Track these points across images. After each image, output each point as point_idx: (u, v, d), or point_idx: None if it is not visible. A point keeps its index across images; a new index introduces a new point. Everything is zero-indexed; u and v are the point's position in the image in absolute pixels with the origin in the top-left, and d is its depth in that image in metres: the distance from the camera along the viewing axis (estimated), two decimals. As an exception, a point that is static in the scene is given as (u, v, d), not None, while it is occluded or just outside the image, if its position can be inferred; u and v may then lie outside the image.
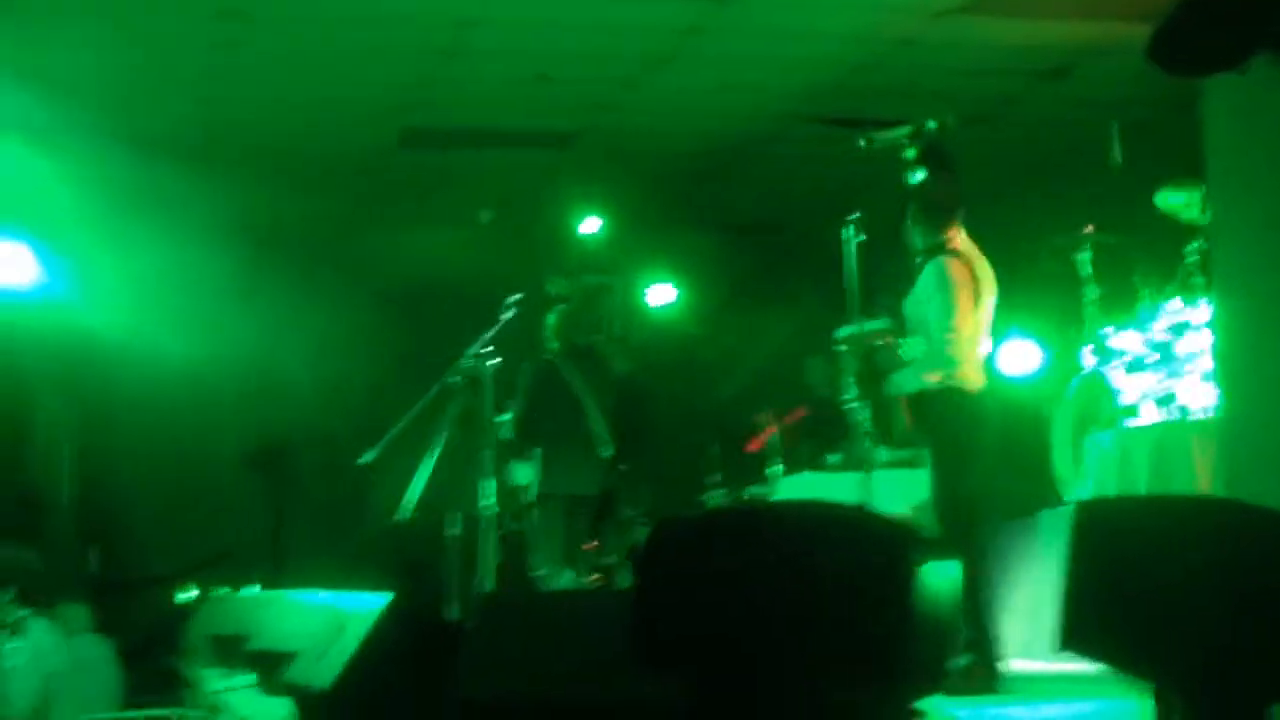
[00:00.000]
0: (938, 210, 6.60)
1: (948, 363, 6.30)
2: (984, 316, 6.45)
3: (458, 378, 7.38)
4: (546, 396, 8.50)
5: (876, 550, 2.76)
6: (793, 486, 8.76)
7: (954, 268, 6.37)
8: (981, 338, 6.45)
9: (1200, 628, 2.89)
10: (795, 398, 9.97)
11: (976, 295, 6.40)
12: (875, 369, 6.60)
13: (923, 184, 6.67)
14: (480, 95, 9.16)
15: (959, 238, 6.52)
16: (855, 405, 6.66)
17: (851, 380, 6.57)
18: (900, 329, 6.49)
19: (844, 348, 6.56)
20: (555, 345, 8.73)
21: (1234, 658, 2.88)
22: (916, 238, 6.61)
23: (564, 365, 8.59)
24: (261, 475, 10.82)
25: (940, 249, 6.48)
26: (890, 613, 2.70)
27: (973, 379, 6.37)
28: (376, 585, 5.83)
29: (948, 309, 6.30)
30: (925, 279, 6.46)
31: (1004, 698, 5.78)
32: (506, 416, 8.42)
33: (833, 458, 8.82)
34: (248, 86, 8.81)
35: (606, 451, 8.39)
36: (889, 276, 6.67)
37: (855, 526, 2.90)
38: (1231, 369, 4.58)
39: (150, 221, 9.60)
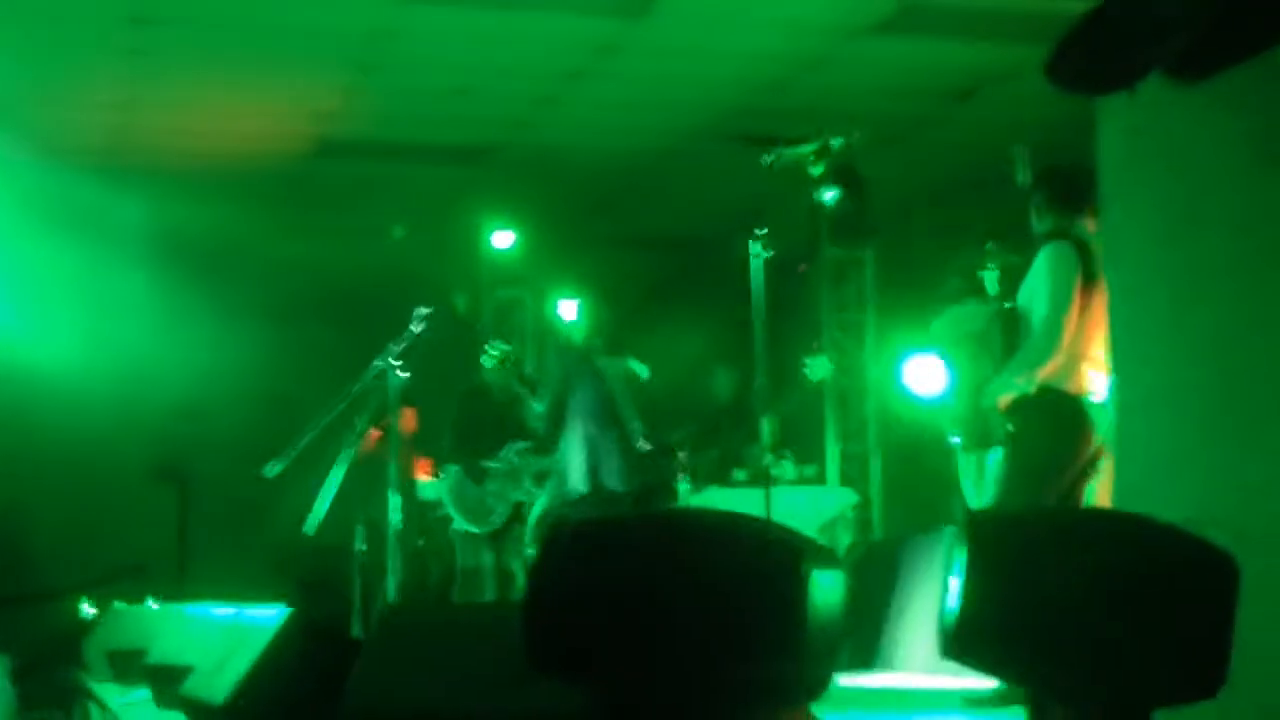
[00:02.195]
0: (1071, 192, 5.96)
1: (1042, 361, 5.67)
2: (1093, 316, 5.67)
3: (366, 389, 7.33)
4: (578, 390, 8.30)
5: (769, 560, 2.77)
6: (699, 502, 8.78)
7: (1065, 254, 5.75)
8: (1089, 339, 5.71)
9: (1086, 635, 2.92)
10: (704, 408, 10.01)
11: (1086, 290, 5.71)
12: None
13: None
14: (396, 108, 9.15)
15: (1090, 224, 5.80)
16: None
17: None
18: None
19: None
20: (583, 341, 8.47)
21: (1118, 664, 2.92)
22: (1041, 220, 6.09)
23: (596, 359, 8.37)
24: (166, 487, 10.70)
25: (1061, 234, 5.91)
26: (779, 622, 2.71)
27: (1074, 382, 5.68)
28: (281, 599, 5.78)
29: (1051, 301, 5.67)
30: (1036, 266, 5.89)
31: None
32: (539, 409, 8.28)
33: (739, 474, 8.87)
34: (160, 94, 8.73)
35: (643, 446, 8.16)
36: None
37: (747, 534, 2.91)
38: (1124, 386, 4.65)
39: (57, 231, 9.48)
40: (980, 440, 6.54)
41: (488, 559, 8.78)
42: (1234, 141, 3.95)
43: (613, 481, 8.09)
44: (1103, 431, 5.50)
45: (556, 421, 8.20)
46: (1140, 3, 3.56)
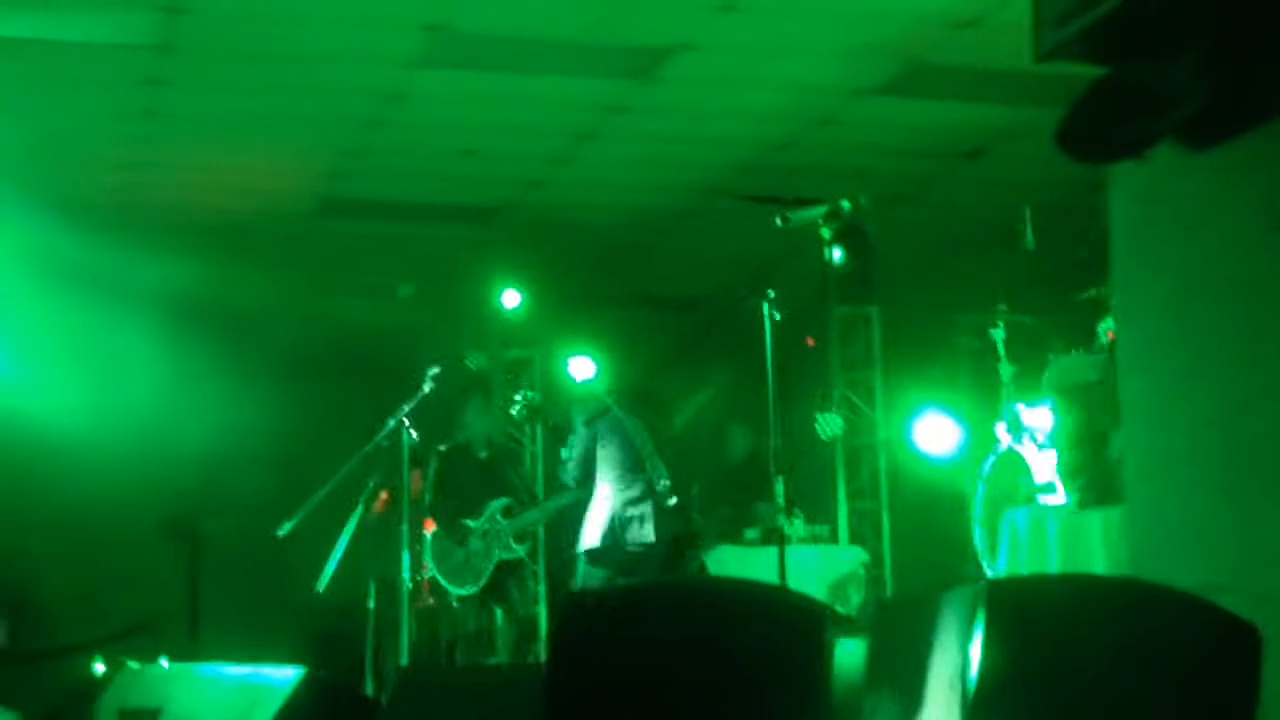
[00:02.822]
0: None
1: None
2: None
3: (378, 447, 7.36)
4: (604, 442, 8.28)
5: (790, 629, 2.78)
6: (709, 561, 8.78)
7: None
8: None
9: (1111, 707, 2.92)
10: (715, 467, 10.02)
11: None
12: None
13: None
14: (404, 168, 9.21)
15: None
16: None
17: None
18: None
19: None
20: (604, 395, 8.45)
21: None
22: None
23: (622, 411, 8.30)
24: (177, 545, 10.70)
25: None
26: (802, 691, 2.72)
27: None
28: (293, 658, 5.78)
29: None
30: None
31: None
32: (567, 455, 8.27)
33: (750, 533, 8.87)
34: (171, 154, 8.80)
35: (670, 500, 8.09)
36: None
37: (769, 604, 2.93)
38: (1134, 451, 4.67)
39: (64, 289, 9.52)
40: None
41: (484, 618, 8.77)
42: (1243, 208, 3.98)
43: (638, 536, 8.01)
44: None
45: (587, 472, 8.17)
46: (1147, 71, 3.61)
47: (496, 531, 8.71)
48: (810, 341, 9.98)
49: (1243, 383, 4.09)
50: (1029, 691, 2.96)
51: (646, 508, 8.00)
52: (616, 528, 8.00)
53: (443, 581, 8.61)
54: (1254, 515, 4.02)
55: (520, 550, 8.76)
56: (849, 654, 2.87)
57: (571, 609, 3.10)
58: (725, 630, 2.82)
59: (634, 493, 8.03)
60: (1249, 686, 2.87)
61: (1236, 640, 2.92)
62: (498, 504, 8.79)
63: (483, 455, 9.07)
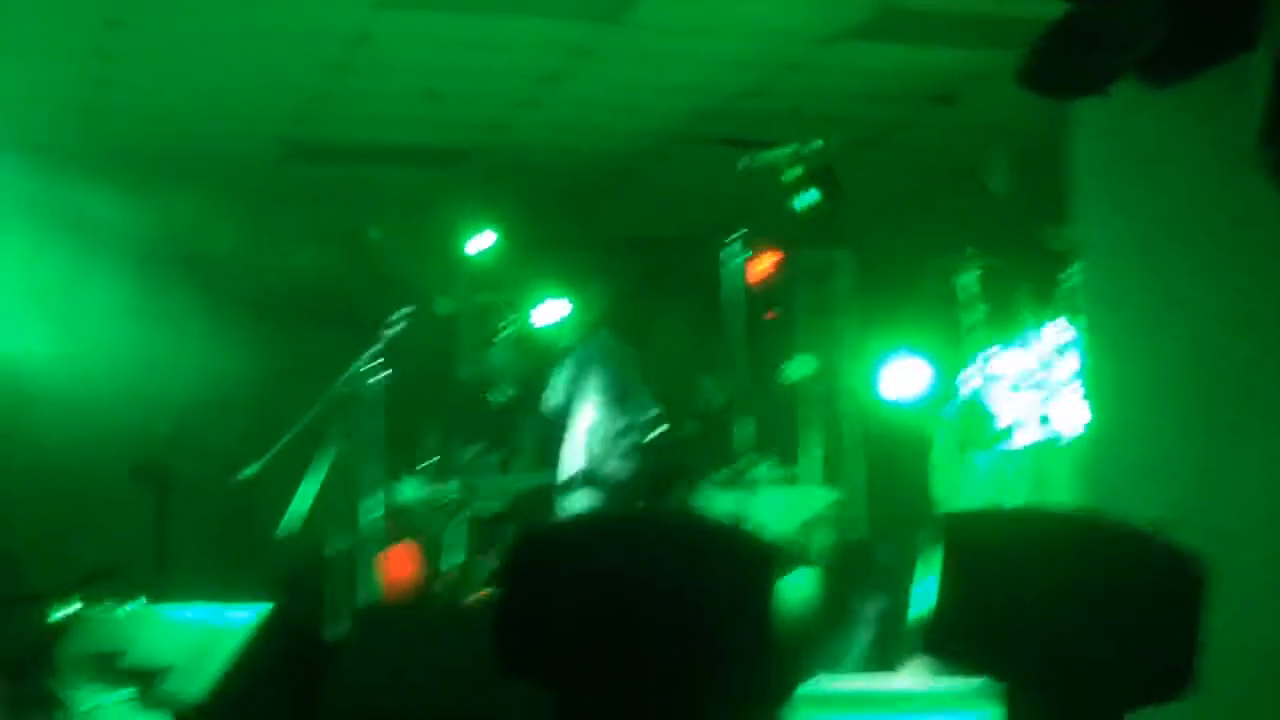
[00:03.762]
0: None
1: None
2: None
3: (344, 392, 7.34)
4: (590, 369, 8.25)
5: (736, 564, 2.78)
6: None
7: None
8: None
9: (1059, 635, 2.95)
10: (686, 409, 10.00)
11: None
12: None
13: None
14: (370, 111, 9.13)
15: None
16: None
17: None
18: None
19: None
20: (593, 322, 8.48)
21: (1090, 666, 2.95)
22: None
23: (611, 337, 8.31)
24: (145, 489, 10.66)
25: None
26: (748, 628, 2.73)
27: None
28: (259, 600, 5.79)
29: None
30: None
31: None
32: (554, 382, 8.20)
33: (717, 475, 8.87)
34: (131, 96, 8.71)
35: (655, 431, 8.03)
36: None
37: (717, 539, 2.93)
38: (1100, 388, 4.68)
39: (28, 232, 9.45)
40: None
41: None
42: (1205, 146, 3.98)
43: (621, 470, 7.88)
44: None
45: (569, 400, 8.06)
46: (1109, 8, 3.59)
47: (484, 482, 8.66)
48: (770, 315, 9.94)
49: (1207, 320, 4.10)
50: (982, 620, 2.98)
51: (631, 440, 7.89)
52: (598, 457, 7.88)
53: (419, 507, 8.48)
54: (1214, 452, 4.04)
55: (499, 506, 8.67)
56: (799, 590, 2.87)
57: (521, 543, 3.10)
58: (672, 562, 2.82)
59: (619, 424, 7.92)
60: (1193, 617, 2.89)
61: (1182, 572, 2.94)
62: (495, 456, 8.72)
63: (499, 398, 8.90)
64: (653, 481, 7.91)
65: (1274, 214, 2.70)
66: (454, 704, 4.02)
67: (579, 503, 7.87)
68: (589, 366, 8.08)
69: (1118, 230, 4.45)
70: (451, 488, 8.64)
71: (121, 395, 10.34)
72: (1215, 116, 3.84)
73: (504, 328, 8.92)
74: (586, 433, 7.93)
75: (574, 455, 7.94)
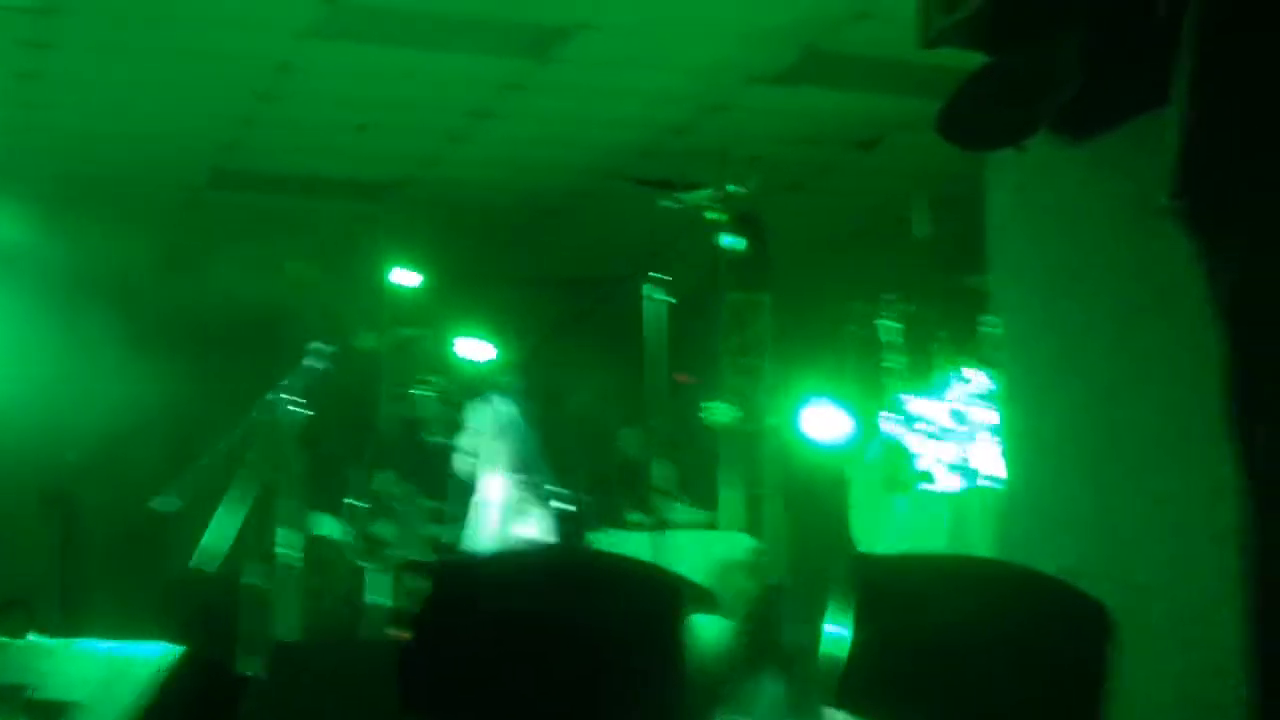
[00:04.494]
0: None
1: None
2: None
3: (261, 420, 7.28)
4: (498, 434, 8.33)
5: (649, 601, 2.78)
6: (595, 543, 8.77)
7: None
8: None
9: (963, 682, 2.95)
10: (605, 450, 10.00)
11: None
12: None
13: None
14: (297, 141, 9.09)
15: None
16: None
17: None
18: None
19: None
20: (494, 379, 8.50)
21: (996, 713, 2.96)
22: None
23: (516, 402, 8.42)
24: (51, 517, 10.50)
25: None
26: (659, 665, 2.72)
27: None
28: (170, 634, 5.70)
29: None
30: None
31: None
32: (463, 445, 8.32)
33: (633, 516, 8.87)
34: (52, 117, 8.61)
35: (560, 503, 8.17)
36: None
37: (630, 577, 2.92)
38: (1013, 437, 4.73)
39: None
40: None
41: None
42: (1116, 200, 4.04)
43: (528, 535, 8.04)
44: None
45: (476, 460, 8.19)
46: (1025, 60, 3.64)
47: (413, 530, 8.62)
48: (682, 378, 9.95)
49: (1114, 368, 4.16)
50: (890, 668, 2.99)
51: (535, 508, 8.04)
52: (506, 525, 8.04)
53: (344, 547, 8.43)
54: (1117, 502, 4.09)
55: (426, 557, 8.62)
56: (710, 631, 2.88)
57: (437, 577, 3.08)
58: (583, 599, 2.81)
59: (525, 491, 8.07)
60: (1098, 665, 2.91)
61: (1088, 622, 2.96)
62: (426, 505, 8.70)
63: (432, 440, 8.93)
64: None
65: (1177, 267, 2.75)
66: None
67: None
68: (498, 432, 8.22)
69: (1028, 281, 4.51)
70: (380, 528, 8.60)
71: (30, 423, 10.18)
72: (1127, 169, 3.89)
73: (430, 369, 8.93)
74: (495, 499, 8.09)
75: (483, 521, 8.07)
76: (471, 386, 8.61)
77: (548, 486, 8.12)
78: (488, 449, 8.29)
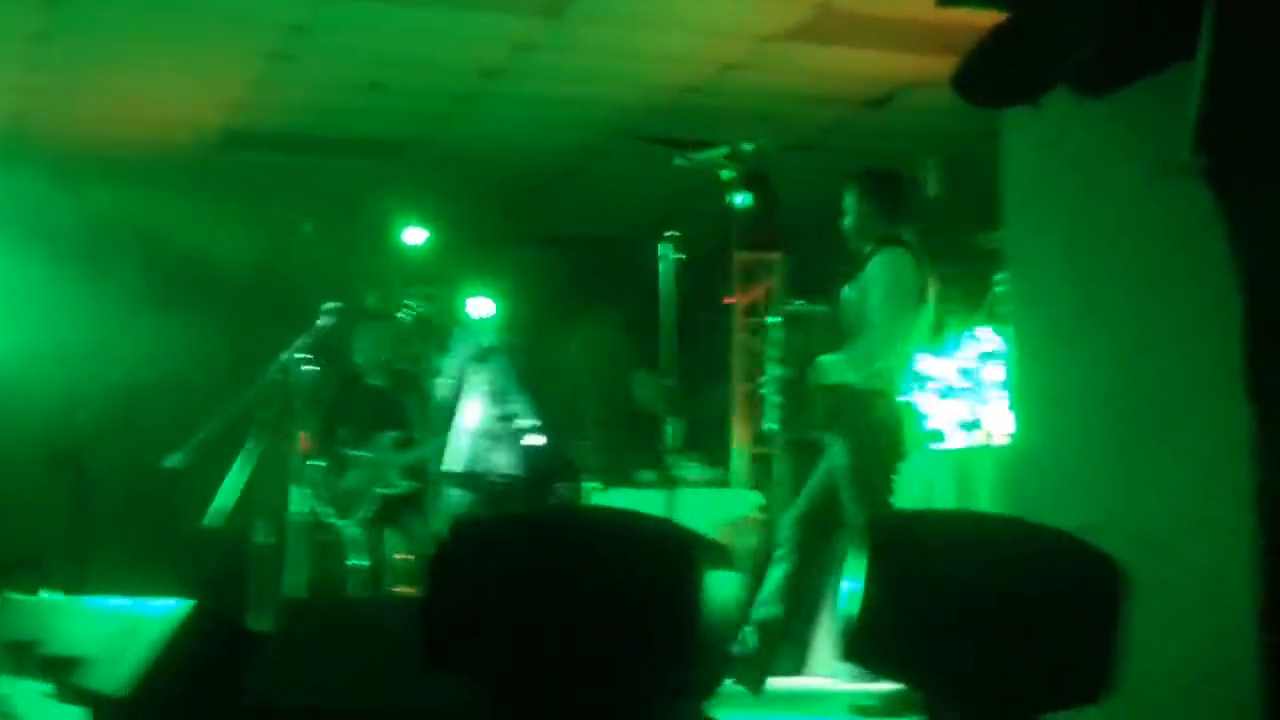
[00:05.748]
0: (898, 198, 6.42)
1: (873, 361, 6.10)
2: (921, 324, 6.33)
3: (270, 381, 7.28)
4: (474, 376, 8.47)
5: (663, 558, 2.78)
6: (605, 502, 8.79)
7: (908, 262, 6.24)
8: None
9: (975, 638, 2.96)
10: (619, 408, 10.02)
11: (921, 296, 6.24)
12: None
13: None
14: (308, 100, 9.06)
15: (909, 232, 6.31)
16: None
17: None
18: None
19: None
20: (496, 335, 8.64)
21: (1006, 668, 2.97)
22: (870, 225, 6.42)
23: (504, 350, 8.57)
24: (62, 477, 10.53)
25: (895, 240, 6.31)
26: (676, 620, 2.73)
27: (896, 385, 6.23)
28: (180, 591, 5.72)
29: (896, 305, 6.12)
30: (873, 268, 6.26)
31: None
32: (444, 370, 8.51)
33: (645, 474, 8.89)
34: (63, 78, 8.59)
35: (531, 434, 8.27)
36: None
37: (644, 534, 2.92)
38: (1026, 394, 4.72)
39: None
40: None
41: (380, 551, 8.69)
42: (1134, 157, 4.02)
43: (500, 466, 8.18)
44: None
45: (460, 389, 8.33)
46: (1043, 17, 3.62)
47: (382, 464, 8.63)
48: (730, 300, 10.03)
49: (1133, 325, 4.15)
50: (902, 624, 3.00)
51: (509, 439, 8.17)
52: (479, 453, 8.18)
53: (319, 511, 8.43)
54: (1138, 458, 4.08)
55: (403, 486, 8.64)
56: (723, 587, 2.88)
57: (450, 537, 3.08)
58: (598, 557, 2.81)
59: (499, 422, 8.18)
60: (1112, 621, 2.91)
61: (1102, 578, 2.96)
62: (389, 436, 8.71)
63: (377, 383, 8.97)
64: (531, 484, 8.17)
65: (1200, 222, 2.73)
66: (379, 697, 4.00)
67: (458, 495, 8.16)
68: (480, 365, 8.33)
69: (1046, 238, 4.49)
70: (352, 477, 8.61)
71: (40, 382, 10.21)
72: (1147, 126, 3.88)
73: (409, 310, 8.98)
74: (470, 426, 8.18)
75: (458, 447, 8.19)
76: (462, 325, 8.72)
77: (521, 420, 8.22)
78: (469, 376, 8.45)
